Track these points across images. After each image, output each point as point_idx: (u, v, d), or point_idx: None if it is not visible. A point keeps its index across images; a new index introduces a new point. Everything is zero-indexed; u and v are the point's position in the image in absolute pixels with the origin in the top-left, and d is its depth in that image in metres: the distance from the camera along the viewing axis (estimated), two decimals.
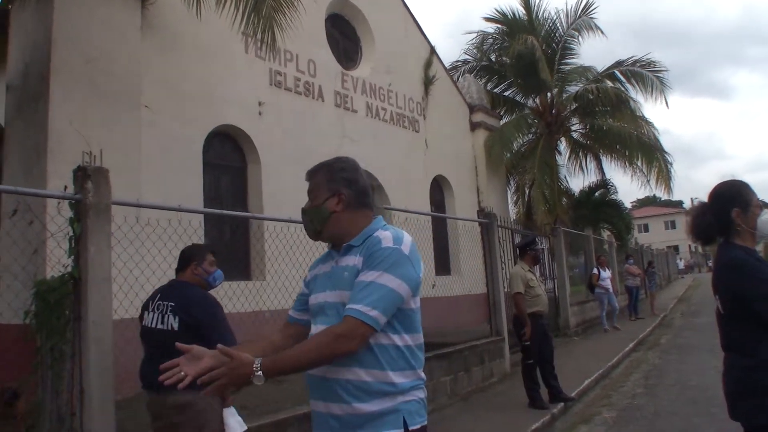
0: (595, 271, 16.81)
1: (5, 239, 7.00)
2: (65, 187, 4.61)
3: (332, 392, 2.30)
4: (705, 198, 3.18)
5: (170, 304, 4.00)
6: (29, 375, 4.82)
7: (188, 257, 4.28)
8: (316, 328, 2.45)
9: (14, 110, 8.30)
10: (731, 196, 2.99)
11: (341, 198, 2.47)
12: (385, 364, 2.30)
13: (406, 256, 2.33)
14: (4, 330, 5.82)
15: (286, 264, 7.58)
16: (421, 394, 2.39)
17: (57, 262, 4.65)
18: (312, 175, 2.56)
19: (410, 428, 2.30)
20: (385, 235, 2.37)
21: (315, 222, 2.48)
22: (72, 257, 4.46)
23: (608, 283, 16.49)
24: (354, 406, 2.26)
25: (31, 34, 8.30)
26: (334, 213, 2.46)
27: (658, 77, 21.98)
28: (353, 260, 2.37)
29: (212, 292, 4.32)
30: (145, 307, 4.19)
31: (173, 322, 3.92)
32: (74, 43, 8.15)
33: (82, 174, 4.44)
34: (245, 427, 4.26)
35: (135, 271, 6.47)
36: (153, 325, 4.02)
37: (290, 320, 2.69)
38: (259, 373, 2.10)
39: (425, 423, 2.37)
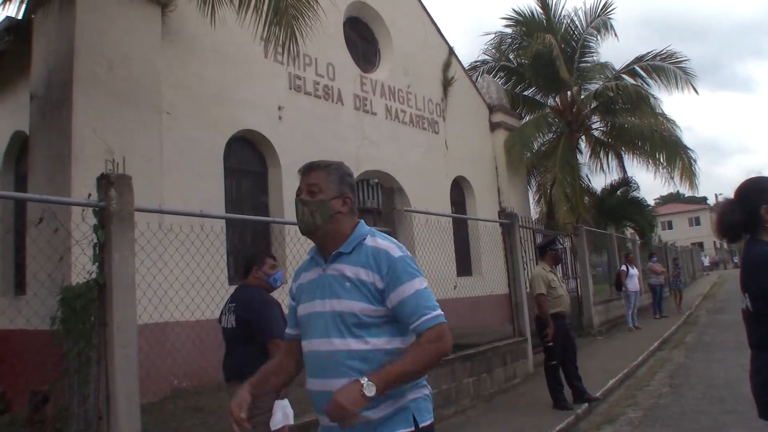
0: (624, 268, 16.74)
1: (32, 247, 7.12)
2: (89, 195, 4.68)
3: None
4: (730, 194, 3.14)
5: (232, 305, 4.69)
6: (57, 380, 4.90)
7: (249, 263, 4.89)
8: (308, 343, 2.44)
9: (38, 119, 8.43)
10: (760, 192, 2.94)
11: (347, 201, 2.51)
12: None
13: (412, 258, 2.42)
14: (32, 336, 5.92)
15: None
16: (426, 390, 2.43)
17: (82, 268, 4.73)
18: (314, 169, 2.53)
19: (420, 425, 2.33)
20: (387, 245, 2.42)
21: (317, 216, 2.45)
22: (96, 264, 4.51)
23: (636, 282, 16.42)
24: (363, 415, 2.24)
25: (53, 43, 8.42)
26: (338, 213, 2.47)
27: (681, 68, 21.79)
28: (354, 270, 2.38)
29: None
30: (222, 310, 4.85)
31: (233, 321, 4.58)
32: (96, 51, 8.25)
33: (105, 182, 4.50)
34: (290, 421, 4.53)
35: (158, 277, 6.54)
36: (224, 324, 4.71)
37: (287, 337, 2.69)
38: (366, 381, 2.15)
39: (433, 419, 2.41)
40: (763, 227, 2.91)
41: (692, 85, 21.65)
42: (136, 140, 8.44)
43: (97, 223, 4.50)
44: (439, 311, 2.32)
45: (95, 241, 4.51)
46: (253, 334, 4.44)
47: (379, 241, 2.44)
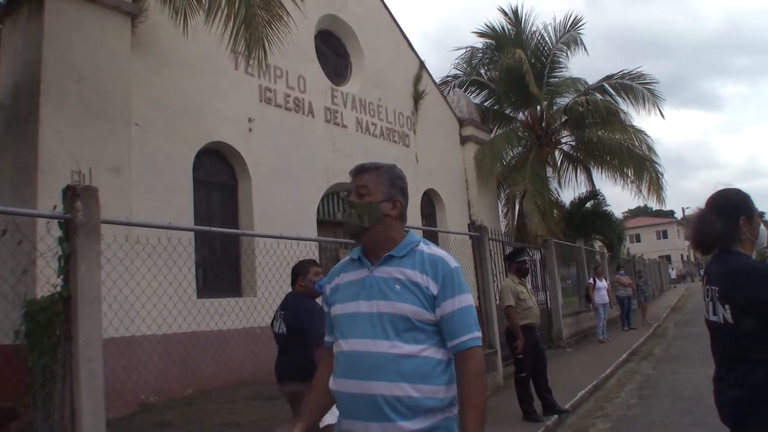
0: (592, 281, 16.89)
1: None
2: (54, 207, 4.61)
3: (376, 410, 2.24)
4: (698, 207, 3.17)
5: (282, 312, 5.09)
6: (22, 396, 4.80)
7: (295, 272, 5.20)
8: (346, 343, 2.37)
9: (4, 129, 8.31)
10: (738, 204, 2.99)
11: (397, 205, 2.48)
12: (436, 378, 2.29)
13: (461, 272, 2.42)
14: None
15: (277, 280, 7.57)
16: (456, 410, 2.37)
17: (47, 281, 4.65)
18: (365, 171, 2.48)
19: None
20: (443, 254, 2.42)
21: (365, 218, 2.40)
22: (62, 277, 4.44)
23: (604, 294, 16.57)
24: (399, 425, 2.22)
25: (21, 52, 8.32)
26: (387, 216, 2.44)
27: (649, 89, 22.13)
28: (407, 273, 2.35)
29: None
30: (273, 316, 5.26)
31: (284, 327, 4.97)
32: (64, 62, 8.16)
33: (71, 193, 4.43)
34: (333, 421, 4.63)
35: (125, 290, 6.46)
36: (276, 330, 5.12)
37: (327, 344, 2.62)
38: None
39: None
40: (739, 239, 2.95)
41: (659, 108, 22.04)
42: (105, 152, 8.34)
43: (63, 235, 4.43)
44: (479, 333, 2.37)
45: (60, 253, 4.44)
46: (304, 340, 4.68)
47: (434, 248, 2.45)
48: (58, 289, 4.44)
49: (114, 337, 5.87)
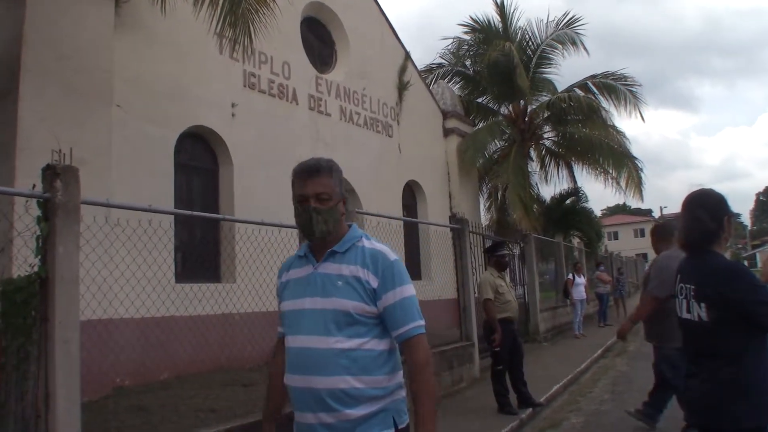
0: (570, 276, 17.02)
1: None
2: (33, 186, 4.54)
3: (322, 403, 2.33)
4: (675, 207, 3.24)
5: None
6: None
7: None
8: (294, 339, 2.46)
9: None
10: (721, 204, 3.07)
11: (344, 203, 2.56)
12: (378, 369, 2.38)
13: (402, 264, 2.50)
14: None
15: (257, 267, 7.56)
16: (403, 392, 2.48)
17: (24, 261, 4.58)
18: (321, 173, 2.50)
19: (399, 427, 2.40)
20: (383, 248, 2.49)
21: (330, 223, 2.46)
22: (39, 257, 4.39)
23: (582, 290, 16.71)
24: (346, 413, 2.31)
25: (1, 30, 8.18)
26: (341, 216, 2.52)
27: (631, 91, 22.28)
28: (349, 269, 2.42)
29: None
30: None
31: None
32: (46, 41, 8.04)
33: (51, 172, 4.38)
34: None
35: (104, 272, 6.41)
36: None
37: (279, 335, 2.69)
38: None
39: (408, 420, 2.47)
40: (723, 238, 3.03)
41: (640, 111, 22.19)
42: (85, 133, 8.23)
43: (41, 215, 4.38)
44: (422, 321, 2.43)
45: (38, 233, 4.39)
46: None
47: (375, 243, 2.52)
48: (36, 269, 4.39)
49: (91, 320, 5.82)
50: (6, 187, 6.23)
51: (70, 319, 4.36)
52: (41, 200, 4.37)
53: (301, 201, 2.47)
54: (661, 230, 6.93)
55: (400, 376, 2.48)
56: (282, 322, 2.62)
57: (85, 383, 4.83)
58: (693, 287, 3.05)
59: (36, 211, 4.41)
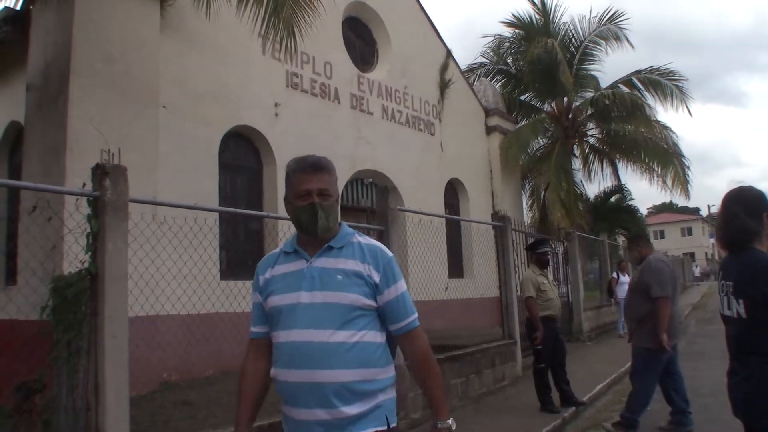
0: (614, 275, 16.78)
1: (24, 236, 7.11)
2: (84, 185, 4.67)
3: (322, 398, 2.33)
4: (722, 205, 3.20)
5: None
6: (46, 370, 4.89)
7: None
8: (287, 334, 2.43)
9: (34, 109, 8.40)
10: (761, 201, 3.05)
11: (337, 199, 2.60)
12: (376, 361, 2.42)
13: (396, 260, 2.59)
14: (22, 325, 5.91)
15: None
16: (394, 392, 2.53)
17: (74, 258, 4.71)
18: (322, 171, 2.54)
19: (391, 426, 2.43)
20: (379, 245, 2.56)
21: (332, 219, 2.51)
22: (89, 253, 4.51)
23: (626, 289, 16.44)
24: (342, 410, 2.33)
25: (51, 34, 8.40)
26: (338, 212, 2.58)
27: (677, 86, 21.77)
28: (347, 264, 2.46)
29: None
30: None
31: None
32: (94, 43, 8.24)
33: (100, 172, 4.50)
34: None
35: (150, 269, 6.54)
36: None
37: (254, 336, 2.65)
38: (446, 423, 2.53)
39: (397, 422, 2.51)
40: (763, 235, 2.99)
41: (687, 106, 21.64)
42: (132, 133, 8.42)
43: (91, 213, 4.50)
44: (417, 314, 2.55)
45: (88, 230, 4.51)
46: None
47: (369, 240, 2.57)
48: (86, 265, 4.51)
49: (139, 315, 5.96)
50: (57, 186, 6.42)
51: (118, 315, 4.48)
52: (91, 198, 4.50)
53: (303, 196, 2.50)
54: (644, 239, 7.74)
55: (392, 370, 2.51)
56: (263, 320, 2.59)
57: (133, 378, 4.94)
58: (732, 284, 3.02)
59: (86, 210, 4.54)
